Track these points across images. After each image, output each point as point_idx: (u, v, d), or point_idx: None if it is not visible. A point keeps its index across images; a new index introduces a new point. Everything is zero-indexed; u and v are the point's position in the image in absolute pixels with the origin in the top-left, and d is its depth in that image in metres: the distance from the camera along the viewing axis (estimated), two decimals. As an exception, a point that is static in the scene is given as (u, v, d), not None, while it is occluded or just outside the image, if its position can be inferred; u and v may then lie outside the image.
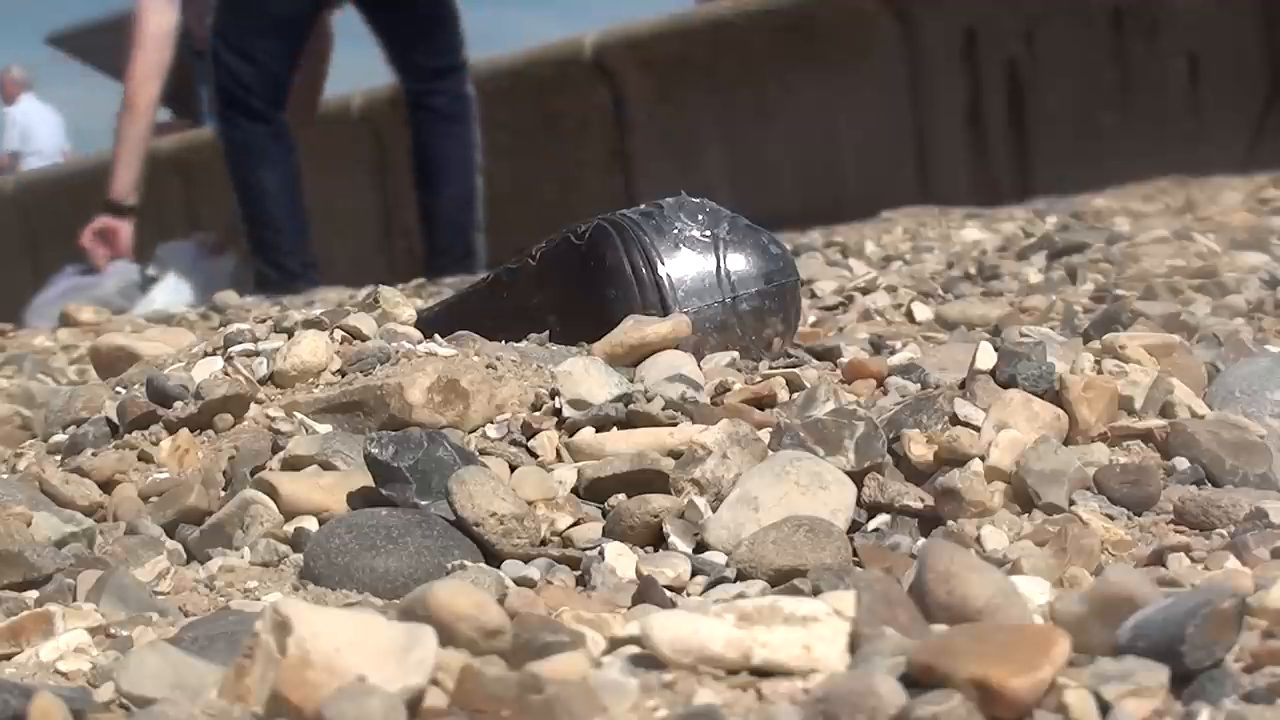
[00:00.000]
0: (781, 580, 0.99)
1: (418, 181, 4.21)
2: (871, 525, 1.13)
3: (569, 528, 1.14)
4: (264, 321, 1.60)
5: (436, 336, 1.49)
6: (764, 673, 0.76)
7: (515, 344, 1.50)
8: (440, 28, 4.12)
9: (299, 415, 1.37)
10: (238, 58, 3.90)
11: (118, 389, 1.51)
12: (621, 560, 1.07)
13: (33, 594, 1.08)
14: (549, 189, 6.08)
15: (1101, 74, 5.03)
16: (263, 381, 1.43)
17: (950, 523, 1.11)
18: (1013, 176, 5.05)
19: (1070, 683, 0.71)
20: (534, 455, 1.28)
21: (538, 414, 1.33)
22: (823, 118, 5.56)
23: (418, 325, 1.57)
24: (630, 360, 1.44)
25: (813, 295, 2.30)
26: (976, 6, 5.27)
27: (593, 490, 1.19)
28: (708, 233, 1.60)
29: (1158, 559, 1.02)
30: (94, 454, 1.36)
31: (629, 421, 1.29)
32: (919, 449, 1.18)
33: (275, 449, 1.31)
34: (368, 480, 1.17)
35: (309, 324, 1.53)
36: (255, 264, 4.03)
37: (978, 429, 1.20)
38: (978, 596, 0.80)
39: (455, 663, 0.74)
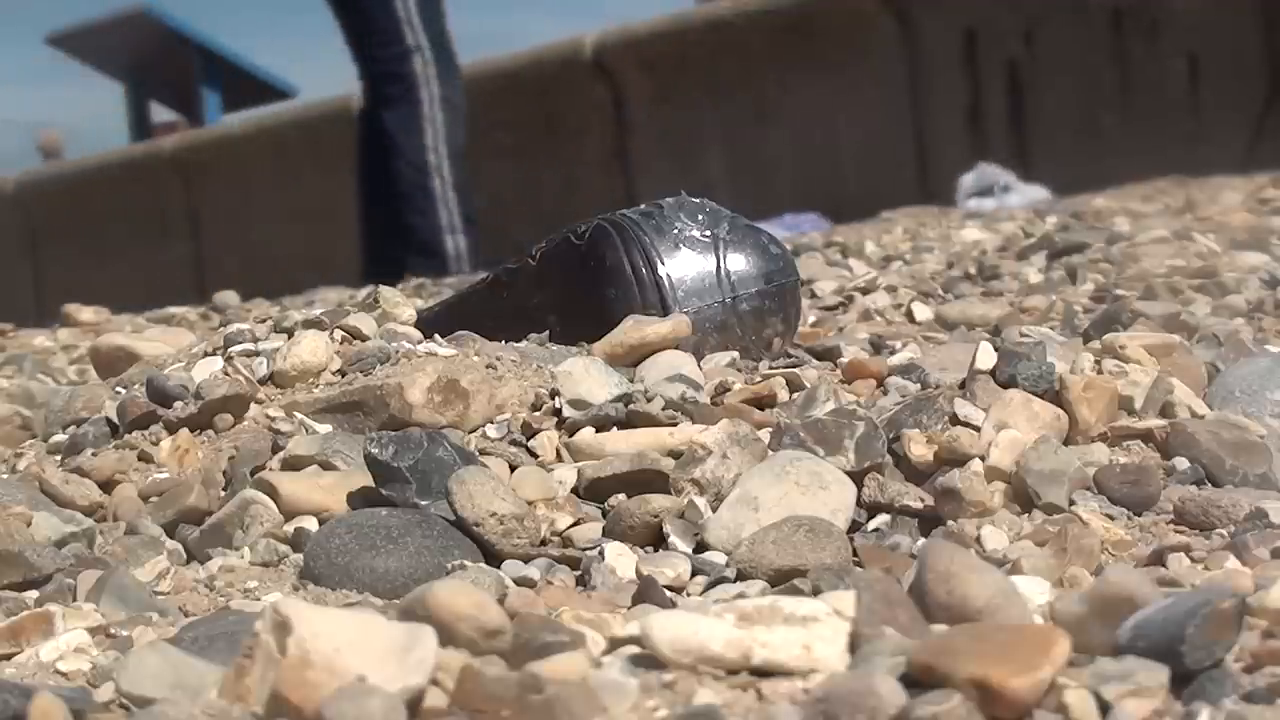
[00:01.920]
0: (781, 580, 0.99)
1: None
2: (871, 525, 1.13)
3: (569, 528, 1.14)
4: (264, 321, 1.60)
5: (436, 336, 1.49)
6: (764, 673, 0.76)
7: (515, 344, 1.50)
8: (361, 20, 4.04)
9: (299, 415, 1.37)
10: None
11: (118, 389, 1.51)
12: (621, 560, 1.07)
13: (33, 594, 1.08)
14: (549, 189, 6.08)
15: (1101, 74, 5.03)
16: (263, 381, 1.43)
17: (950, 523, 1.11)
18: (1013, 177, 5.05)
19: (1070, 683, 0.71)
20: (534, 455, 1.28)
21: (538, 414, 1.33)
22: (823, 118, 5.56)
23: (418, 325, 1.57)
24: (630, 360, 1.44)
25: (813, 295, 2.30)
26: (976, 6, 5.27)
27: (593, 490, 1.19)
28: (708, 233, 1.60)
29: (1158, 559, 1.02)
30: (94, 454, 1.36)
31: (629, 421, 1.29)
32: (919, 449, 1.18)
33: (275, 449, 1.30)
34: (368, 480, 1.17)
35: (309, 324, 1.53)
36: None
37: (978, 429, 1.20)
38: (978, 596, 0.80)
39: (455, 663, 0.74)
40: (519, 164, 6.23)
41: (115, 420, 1.42)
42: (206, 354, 1.53)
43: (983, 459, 1.16)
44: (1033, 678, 0.70)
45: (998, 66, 5.25)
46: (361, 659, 0.71)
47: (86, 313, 2.94)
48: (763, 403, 1.35)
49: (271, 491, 1.19)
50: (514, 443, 1.30)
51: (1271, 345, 1.62)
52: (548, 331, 1.56)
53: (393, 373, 1.37)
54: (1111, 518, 1.11)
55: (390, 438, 1.16)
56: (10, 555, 1.09)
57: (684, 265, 1.58)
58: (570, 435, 1.29)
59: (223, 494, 1.27)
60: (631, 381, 1.39)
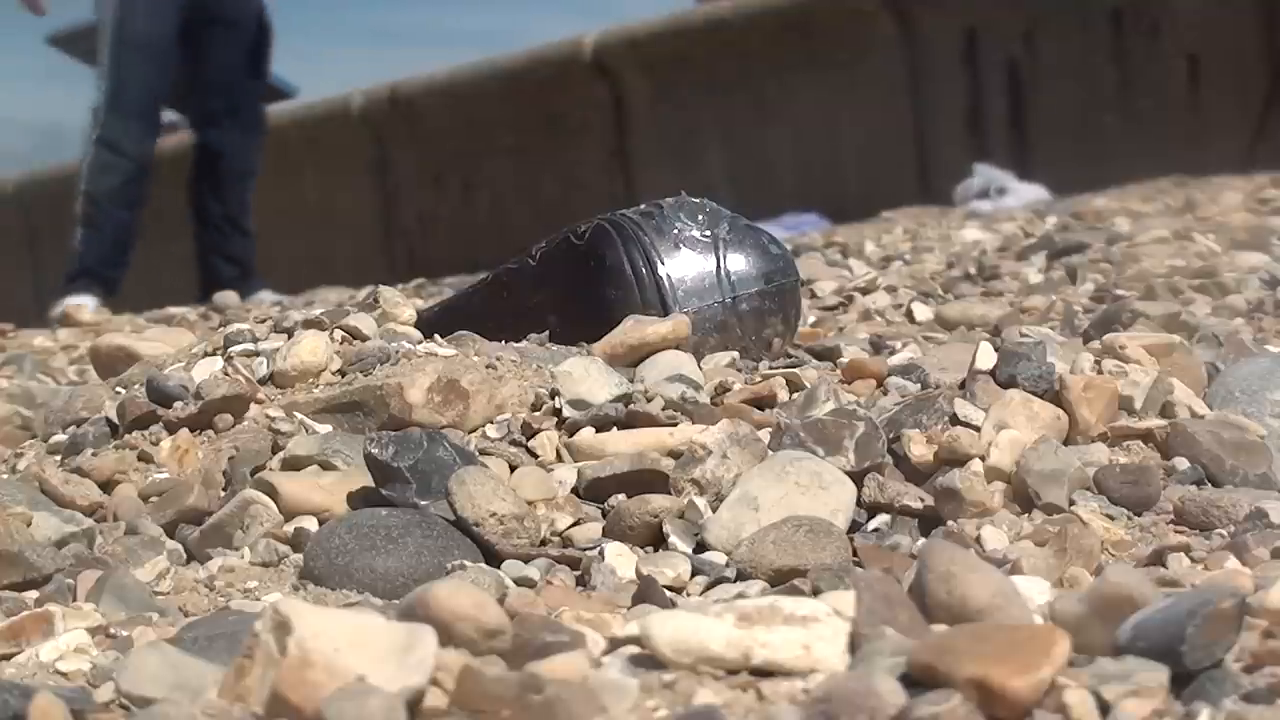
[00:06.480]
0: (781, 580, 0.99)
1: None
2: (871, 525, 1.13)
3: (569, 528, 1.14)
4: (264, 321, 1.60)
5: (436, 336, 1.49)
6: (764, 673, 0.76)
7: (515, 344, 1.50)
8: None
9: (299, 415, 1.37)
10: None
11: (118, 389, 1.51)
12: (621, 560, 1.07)
13: (33, 594, 1.08)
14: (549, 189, 6.09)
15: (1101, 75, 5.03)
16: (263, 381, 1.43)
17: (950, 523, 1.11)
18: (1013, 177, 5.05)
19: (1070, 683, 0.71)
20: (534, 455, 1.28)
21: (538, 414, 1.33)
22: (823, 118, 5.56)
23: (418, 325, 1.57)
24: (630, 360, 1.44)
25: (813, 295, 2.30)
26: (976, 6, 5.27)
27: (593, 490, 1.19)
28: (708, 233, 1.60)
29: (1158, 559, 1.02)
30: (94, 454, 1.36)
31: (629, 421, 1.29)
32: (919, 449, 1.18)
33: (275, 449, 1.30)
34: (368, 480, 1.17)
35: (309, 324, 1.53)
36: None
37: (978, 429, 1.20)
38: (978, 596, 0.80)
39: (455, 663, 0.74)
40: (519, 164, 6.23)
41: (115, 420, 1.42)
42: (206, 354, 1.53)
43: (983, 459, 1.16)
44: (1033, 678, 0.70)
45: (998, 66, 5.25)
46: (361, 659, 0.71)
47: (86, 313, 2.94)
48: (763, 403, 1.35)
49: (271, 491, 1.19)
50: (514, 443, 1.30)
51: (1271, 345, 1.63)
52: (548, 331, 1.56)
53: (393, 373, 1.37)
54: (1111, 518, 1.11)
55: (390, 438, 1.16)
56: (10, 555, 1.09)
57: (684, 265, 1.58)
58: (570, 435, 1.29)
59: (223, 494, 1.27)
60: (631, 381, 1.39)
